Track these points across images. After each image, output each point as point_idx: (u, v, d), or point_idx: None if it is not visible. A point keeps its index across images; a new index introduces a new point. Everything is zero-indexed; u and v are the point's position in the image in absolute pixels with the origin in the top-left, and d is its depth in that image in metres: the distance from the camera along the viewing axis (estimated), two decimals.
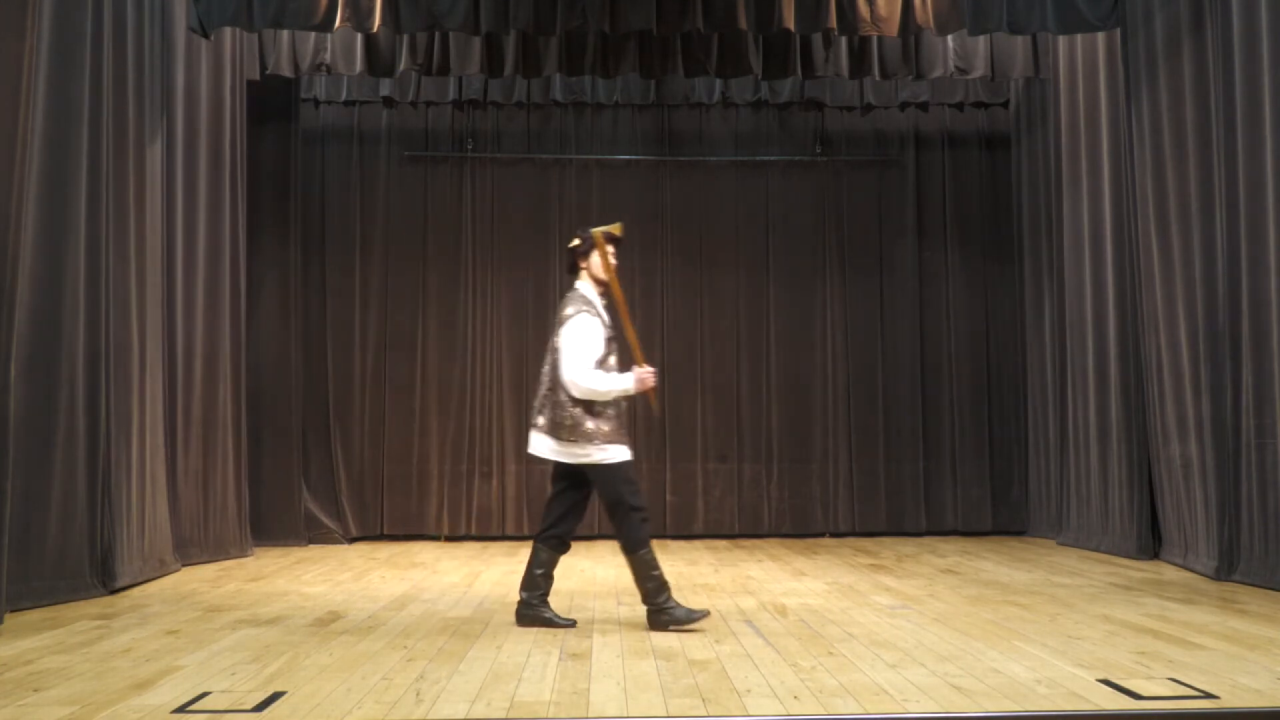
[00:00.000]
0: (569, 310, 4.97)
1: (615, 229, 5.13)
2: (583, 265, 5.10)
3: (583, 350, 4.87)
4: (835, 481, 9.32)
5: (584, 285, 5.07)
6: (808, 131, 9.61)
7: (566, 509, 5.05)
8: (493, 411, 9.28)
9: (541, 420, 4.99)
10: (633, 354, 5.05)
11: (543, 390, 5.02)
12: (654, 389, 4.98)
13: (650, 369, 4.96)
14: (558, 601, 5.73)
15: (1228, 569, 6.26)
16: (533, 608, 5.00)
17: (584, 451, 4.89)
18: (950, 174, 9.65)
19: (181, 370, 7.41)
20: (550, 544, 5.03)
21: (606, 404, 4.92)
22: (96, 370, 6.05)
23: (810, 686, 3.71)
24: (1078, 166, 8.22)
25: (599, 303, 5.03)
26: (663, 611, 4.86)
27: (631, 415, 9.31)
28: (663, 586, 4.89)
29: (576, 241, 5.14)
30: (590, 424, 4.87)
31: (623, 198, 9.44)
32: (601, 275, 5.05)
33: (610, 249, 5.06)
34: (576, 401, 4.88)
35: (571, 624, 4.99)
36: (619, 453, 4.92)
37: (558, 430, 4.91)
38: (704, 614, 4.92)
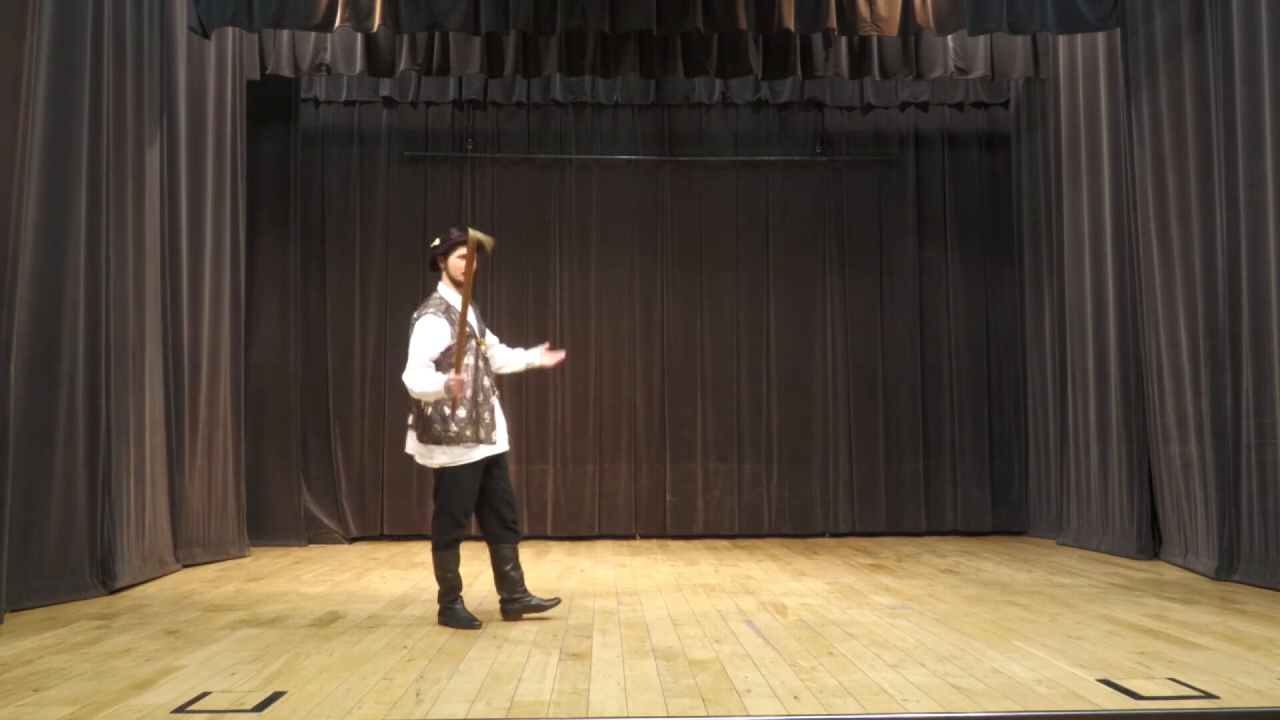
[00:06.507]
0: (416, 312, 5.04)
1: (488, 243, 5.09)
2: (442, 265, 5.12)
3: (414, 351, 4.89)
4: (835, 481, 9.31)
5: (443, 287, 5.10)
6: (808, 131, 9.61)
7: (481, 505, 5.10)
8: None
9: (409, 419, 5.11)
10: (455, 359, 4.89)
11: None
12: (457, 398, 4.85)
13: (459, 377, 4.83)
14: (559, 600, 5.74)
15: (1228, 569, 6.26)
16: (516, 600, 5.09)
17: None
18: (950, 174, 9.65)
19: (184, 370, 7.40)
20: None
21: (441, 406, 4.91)
22: (96, 370, 6.05)
23: (810, 686, 3.71)
24: (1077, 166, 8.22)
25: (456, 304, 5.00)
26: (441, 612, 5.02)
27: (631, 415, 9.34)
28: (453, 589, 4.99)
29: (437, 242, 5.17)
30: (437, 426, 4.92)
31: (623, 198, 9.45)
32: (458, 277, 5.02)
33: (472, 253, 4.98)
34: (416, 402, 4.99)
35: (556, 601, 5.17)
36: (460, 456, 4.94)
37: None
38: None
